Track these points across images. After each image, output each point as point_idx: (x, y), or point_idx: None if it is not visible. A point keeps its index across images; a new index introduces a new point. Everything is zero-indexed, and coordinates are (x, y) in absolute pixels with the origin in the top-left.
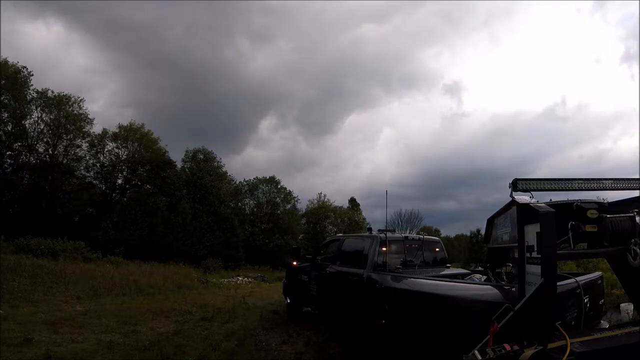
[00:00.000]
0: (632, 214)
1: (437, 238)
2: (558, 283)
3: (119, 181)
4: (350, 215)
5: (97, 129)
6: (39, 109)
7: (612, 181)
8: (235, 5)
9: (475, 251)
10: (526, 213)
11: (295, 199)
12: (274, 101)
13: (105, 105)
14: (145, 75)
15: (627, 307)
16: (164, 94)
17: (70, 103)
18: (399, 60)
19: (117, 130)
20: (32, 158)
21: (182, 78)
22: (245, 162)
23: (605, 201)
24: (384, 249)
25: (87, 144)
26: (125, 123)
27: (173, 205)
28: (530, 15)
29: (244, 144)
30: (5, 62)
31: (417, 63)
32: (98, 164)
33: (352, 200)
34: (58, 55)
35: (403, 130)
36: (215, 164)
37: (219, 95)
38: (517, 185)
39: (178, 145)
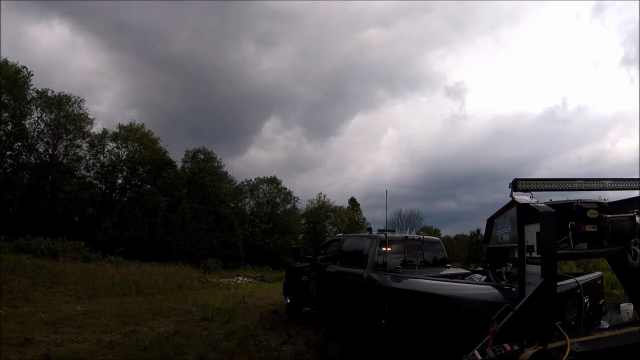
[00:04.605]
0: (632, 214)
1: (437, 238)
2: (558, 283)
3: (119, 181)
4: (351, 215)
5: (98, 129)
6: (39, 109)
7: (612, 181)
8: (241, 9)
9: (475, 251)
10: (526, 213)
11: (295, 199)
12: (278, 103)
13: (111, 106)
14: (150, 76)
15: (627, 307)
16: (169, 96)
17: (70, 103)
18: (404, 64)
19: (117, 130)
20: (32, 158)
21: (187, 80)
22: (248, 163)
23: (606, 201)
24: (384, 249)
25: (87, 144)
26: (125, 123)
27: (173, 205)
28: (532, 20)
29: (247, 145)
30: (6, 62)
31: (421, 66)
32: (98, 164)
33: (352, 201)
34: (64, 56)
35: (406, 131)
36: (216, 164)
37: (223, 97)
38: (517, 185)
39: (182, 146)
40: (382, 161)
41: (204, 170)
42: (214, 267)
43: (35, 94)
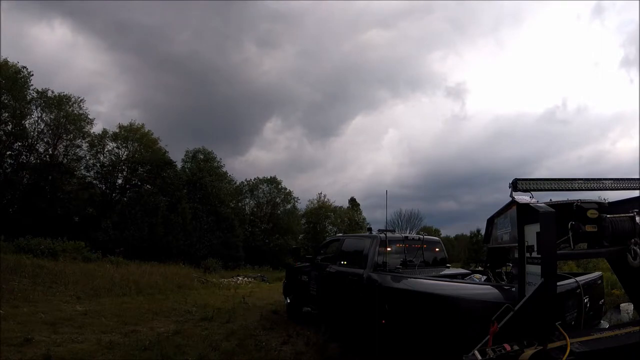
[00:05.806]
0: (632, 214)
1: (437, 238)
2: (558, 283)
3: (119, 181)
4: (351, 215)
5: (98, 129)
6: (39, 109)
7: (612, 181)
8: (243, 10)
9: (475, 251)
10: (526, 213)
11: (295, 199)
12: (279, 104)
13: (111, 106)
14: (151, 77)
15: (627, 307)
16: (170, 96)
17: (70, 103)
18: (405, 64)
19: (117, 130)
20: (32, 158)
21: (188, 80)
22: (249, 163)
23: (606, 201)
24: (384, 249)
25: (87, 144)
26: (125, 123)
27: (173, 205)
28: (533, 21)
29: (248, 145)
30: (6, 62)
31: (422, 66)
32: (98, 164)
33: (352, 201)
34: (65, 57)
35: (406, 131)
36: (215, 164)
37: (224, 97)
38: (517, 185)
39: (182, 146)
40: (382, 161)
41: (204, 170)
42: (214, 267)
43: (35, 94)
